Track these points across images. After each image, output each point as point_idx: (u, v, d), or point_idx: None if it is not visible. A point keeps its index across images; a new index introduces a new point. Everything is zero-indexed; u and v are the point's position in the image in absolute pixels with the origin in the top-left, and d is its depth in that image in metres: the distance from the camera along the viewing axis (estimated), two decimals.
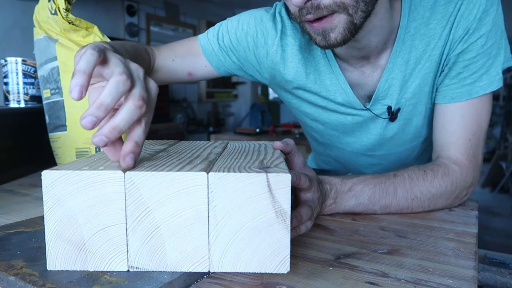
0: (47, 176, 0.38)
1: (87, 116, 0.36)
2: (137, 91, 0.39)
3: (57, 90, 0.83)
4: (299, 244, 0.51)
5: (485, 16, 0.64)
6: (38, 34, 0.85)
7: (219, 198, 0.38)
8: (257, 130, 3.44)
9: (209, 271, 0.40)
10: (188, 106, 4.89)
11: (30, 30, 0.93)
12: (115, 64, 0.40)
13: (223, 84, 5.45)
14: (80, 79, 0.37)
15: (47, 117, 0.87)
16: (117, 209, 0.39)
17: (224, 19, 0.83)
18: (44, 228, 0.39)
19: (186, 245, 0.39)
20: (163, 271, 0.40)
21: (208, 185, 0.38)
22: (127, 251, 0.39)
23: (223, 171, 0.38)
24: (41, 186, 0.39)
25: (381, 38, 0.68)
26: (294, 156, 0.57)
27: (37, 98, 1.01)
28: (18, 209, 0.67)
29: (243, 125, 5.39)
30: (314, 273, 0.43)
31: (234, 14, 0.82)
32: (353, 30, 0.60)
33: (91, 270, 0.40)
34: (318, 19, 0.59)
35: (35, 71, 1.00)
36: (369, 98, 0.76)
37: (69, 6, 0.79)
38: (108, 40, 0.85)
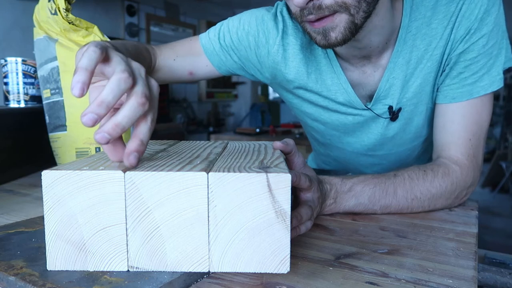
0: (47, 176, 0.38)
1: (88, 113, 0.36)
2: (139, 89, 0.39)
3: (57, 90, 0.83)
4: (299, 244, 0.51)
5: (486, 16, 0.64)
6: (38, 34, 0.85)
7: (219, 198, 0.38)
8: (257, 130, 3.44)
9: (209, 271, 0.40)
10: (188, 106, 4.89)
11: (30, 30, 0.93)
12: (117, 62, 0.39)
13: (223, 84, 5.46)
14: (81, 76, 0.37)
15: (47, 117, 0.87)
16: (117, 209, 0.39)
17: (224, 19, 0.83)
18: (44, 228, 0.39)
19: (186, 245, 0.39)
20: (163, 271, 0.40)
21: (208, 185, 0.38)
22: (127, 251, 0.39)
23: (223, 171, 0.38)
24: (41, 186, 0.39)
25: (382, 38, 0.68)
26: (294, 156, 0.57)
27: (37, 98, 1.01)
28: (18, 209, 0.67)
29: (243, 125, 5.39)
30: (314, 273, 0.43)
31: (234, 14, 0.82)
32: (354, 30, 0.60)
33: (91, 270, 0.40)
34: (319, 19, 0.59)
35: (35, 71, 1.00)
36: (370, 97, 0.76)
37: (69, 6, 0.79)
38: (108, 40, 0.85)
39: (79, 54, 0.42)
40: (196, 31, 4.90)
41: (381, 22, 0.65)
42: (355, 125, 0.81)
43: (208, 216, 0.39)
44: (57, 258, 0.39)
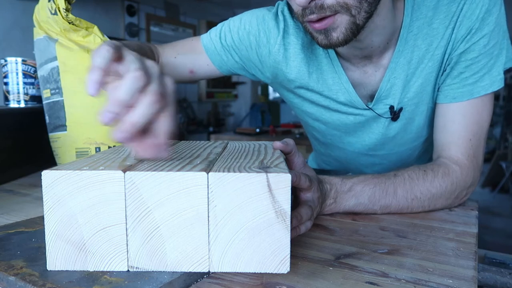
0: (47, 176, 0.38)
1: (105, 112, 0.37)
2: (154, 87, 0.40)
3: (57, 90, 0.83)
4: (299, 244, 0.51)
5: (487, 16, 0.64)
6: (38, 34, 0.85)
7: (219, 198, 0.38)
8: (257, 130, 3.43)
9: (209, 271, 0.40)
10: (188, 106, 4.89)
11: (30, 30, 0.93)
12: (131, 61, 0.40)
13: (223, 84, 5.45)
14: (96, 74, 0.37)
15: (47, 117, 0.87)
16: (117, 209, 0.39)
17: (224, 19, 0.83)
18: (44, 228, 0.39)
19: (186, 245, 0.39)
20: (163, 271, 0.40)
21: (208, 185, 0.38)
22: (127, 251, 0.39)
23: (223, 171, 0.38)
24: (41, 186, 0.39)
25: (383, 38, 0.68)
26: (294, 156, 0.57)
27: (37, 98, 1.01)
28: (18, 209, 0.67)
29: (243, 125, 5.39)
30: (314, 273, 0.43)
31: (234, 14, 0.82)
32: (355, 31, 0.60)
33: (91, 270, 0.40)
34: (320, 19, 0.59)
35: (35, 71, 1.00)
36: (371, 97, 0.76)
37: (69, 6, 0.79)
38: (108, 40, 0.85)
39: (93, 55, 0.43)
40: (196, 31, 4.90)
41: (383, 22, 0.65)
42: (356, 125, 0.81)
43: (208, 216, 0.39)
44: (57, 258, 0.39)
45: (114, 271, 0.40)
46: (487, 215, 3.46)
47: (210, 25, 4.81)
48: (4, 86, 1.00)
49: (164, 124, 0.41)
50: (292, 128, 3.67)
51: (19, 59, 0.99)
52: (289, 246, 0.39)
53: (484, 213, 3.45)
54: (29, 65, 1.00)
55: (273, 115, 5.74)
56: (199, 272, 0.40)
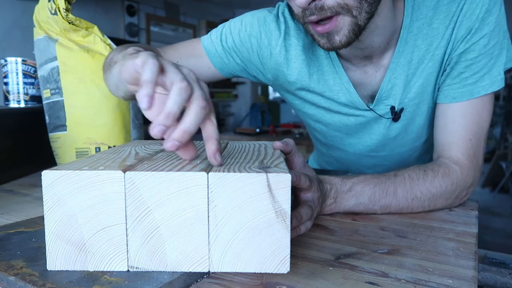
0: (47, 176, 0.38)
1: (157, 126, 0.38)
2: (198, 93, 0.40)
3: (57, 90, 0.83)
4: (299, 244, 0.51)
5: (488, 16, 0.64)
6: (38, 34, 0.85)
7: (219, 198, 0.38)
8: (257, 130, 3.43)
9: (209, 271, 0.40)
10: None
11: (30, 30, 0.93)
12: (174, 72, 0.41)
13: (223, 84, 5.45)
14: (148, 89, 0.38)
15: (47, 117, 0.87)
16: (117, 209, 0.39)
17: (224, 19, 0.83)
18: (44, 228, 0.39)
19: (186, 245, 0.39)
20: (163, 271, 0.40)
21: (208, 185, 0.38)
22: (127, 251, 0.39)
23: (223, 171, 0.38)
24: (41, 186, 0.39)
25: (383, 38, 0.68)
26: (294, 156, 0.57)
27: (37, 98, 1.01)
28: (18, 209, 0.67)
29: (243, 125, 5.39)
30: (314, 273, 0.43)
31: (234, 14, 0.82)
32: (358, 32, 0.60)
33: (91, 270, 0.40)
34: (321, 21, 0.59)
35: (35, 71, 1.00)
36: (371, 98, 0.76)
37: (69, 6, 0.79)
38: (108, 40, 0.85)
39: (130, 65, 0.43)
40: (196, 31, 4.90)
41: (383, 22, 0.65)
42: (357, 126, 0.81)
43: (208, 216, 0.39)
44: (57, 258, 0.39)
45: (114, 271, 0.40)
46: (487, 215, 3.46)
47: (210, 25, 4.81)
48: (4, 86, 1.00)
49: (213, 130, 0.42)
50: (292, 128, 3.68)
51: (19, 59, 0.99)
52: (289, 246, 0.39)
53: (484, 213, 3.45)
54: (29, 65, 1.00)
55: (273, 115, 5.74)
56: (199, 272, 0.40)
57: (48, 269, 0.39)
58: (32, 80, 1.01)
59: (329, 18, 0.58)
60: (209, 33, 0.83)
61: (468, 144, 0.68)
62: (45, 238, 0.39)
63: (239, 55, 0.80)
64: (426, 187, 0.64)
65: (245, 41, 0.78)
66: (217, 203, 0.38)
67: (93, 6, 3.60)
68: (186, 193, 0.38)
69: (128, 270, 0.40)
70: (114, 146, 0.83)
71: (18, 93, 0.99)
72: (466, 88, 0.68)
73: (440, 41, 0.68)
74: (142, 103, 0.38)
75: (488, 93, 0.68)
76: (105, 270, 0.40)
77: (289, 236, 0.39)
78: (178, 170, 0.39)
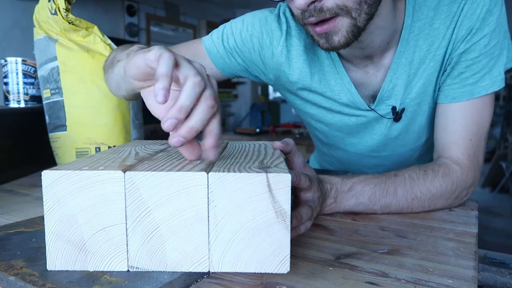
0: (47, 176, 0.38)
1: (169, 119, 0.38)
2: (209, 92, 0.40)
3: (57, 90, 0.83)
4: (299, 244, 0.51)
5: (488, 16, 0.64)
6: (38, 34, 0.85)
7: (219, 198, 0.38)
8: (257, 130, 3.43)
9: (209, 271, 0.40)
10: None
11: (30, 30, 0.93)
12: (188, 67, 0.41)
13: (223, 84, 5.45)
14: (165, 83, 0.38)
15: (47, 117, 0.87)
16: (117, 209, 0.39)
17: (224, 19, 0.83)
18: (44, 228, 0.39)
19: (186, 245, 0.39)
20: (163, 271, 0.40)
21: (208, 185, 0.38)
22: (127, 251, 0.39)
23: (223, 171, 0.38)
24: (41, 186, 0.39)
25: (384, 38, 0.68)
26: (294, 156, 0.57)
27: (37, 98, 1.01)
28: (18, 209, 0.67)
29: (243, 125, 5.38)
30: (314, 273, 0.43)
31: (234, 14, 0.82)
32: (357, 33, 0.60)
33: (91, 270, 0.40)
34: (321, 22, 0.59)
35: (35, 71, 1.00)
36: (373, 98, 0.76)
37: (69, 6, 0.79)
38: (108, 40, 0.85)
39: (140, 60, 0.43)
40: (196, 31, 4.89)
41: (383, 23, 0.65)
42: (358, 126, 0.81)
43: (208, 216, 0.39)
44: (57, 258, 0.39)
45: (114, 271, 0.40)
46: (487, 215, 3.46)
47: (210, 25, 4.80)
48: (4, 86, 1.00)
49: (215, 127, 0.42)
50: (292, 128, 3.68)
51: (19, 59, 0.99)
52: (289, 246, 0.39)
53: (484, 213, 3.45)
54: (29, 65, 1.00)
55: (273, 115, 5.73)
56: (199, 272, 0.40)
57: (48, 269, 0.39)
58: (32, 80, 1.01)
59: (328, 19, 0.58)
60: (210, 34, 0.83)
61: (468, 144, 0.68)
62: (45, 238, 0.39)
63: (241, 55, 0.80)
64: (426, 187, 0.64)
65: (246, 41, 0.78)
66: (217, 203, 0.38)
67: (93, 6, 3.60)
68: (186, 193, 0.38)
69: (128, 270, 0.40)
70: (114, 146, 0.83)
71: (18, 93, 0.99)
72: (467, 88, 0.68)
73: (441, 41, 0.68)
74: (159, 96, 0.37)
75: (488, 93, 0.68)
76: (105, 270, 0.40)
77: (289, 236, 0.39)
78: (178, 170, 0.39)
